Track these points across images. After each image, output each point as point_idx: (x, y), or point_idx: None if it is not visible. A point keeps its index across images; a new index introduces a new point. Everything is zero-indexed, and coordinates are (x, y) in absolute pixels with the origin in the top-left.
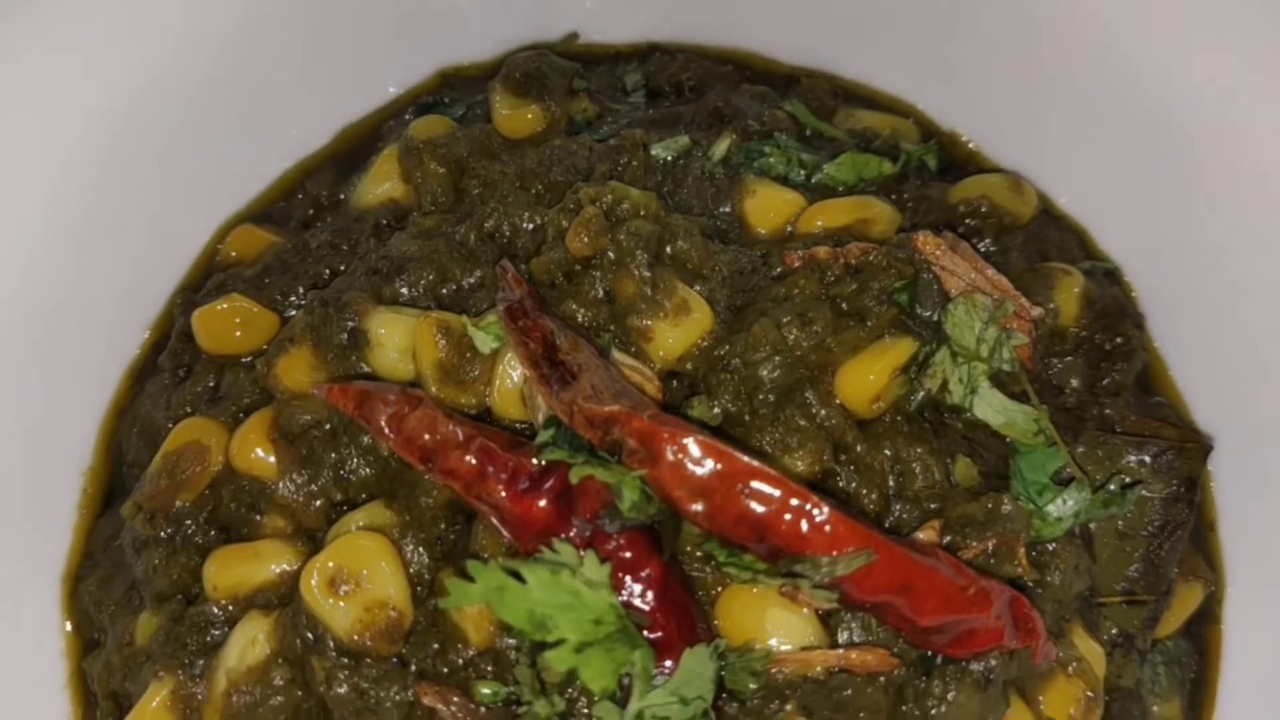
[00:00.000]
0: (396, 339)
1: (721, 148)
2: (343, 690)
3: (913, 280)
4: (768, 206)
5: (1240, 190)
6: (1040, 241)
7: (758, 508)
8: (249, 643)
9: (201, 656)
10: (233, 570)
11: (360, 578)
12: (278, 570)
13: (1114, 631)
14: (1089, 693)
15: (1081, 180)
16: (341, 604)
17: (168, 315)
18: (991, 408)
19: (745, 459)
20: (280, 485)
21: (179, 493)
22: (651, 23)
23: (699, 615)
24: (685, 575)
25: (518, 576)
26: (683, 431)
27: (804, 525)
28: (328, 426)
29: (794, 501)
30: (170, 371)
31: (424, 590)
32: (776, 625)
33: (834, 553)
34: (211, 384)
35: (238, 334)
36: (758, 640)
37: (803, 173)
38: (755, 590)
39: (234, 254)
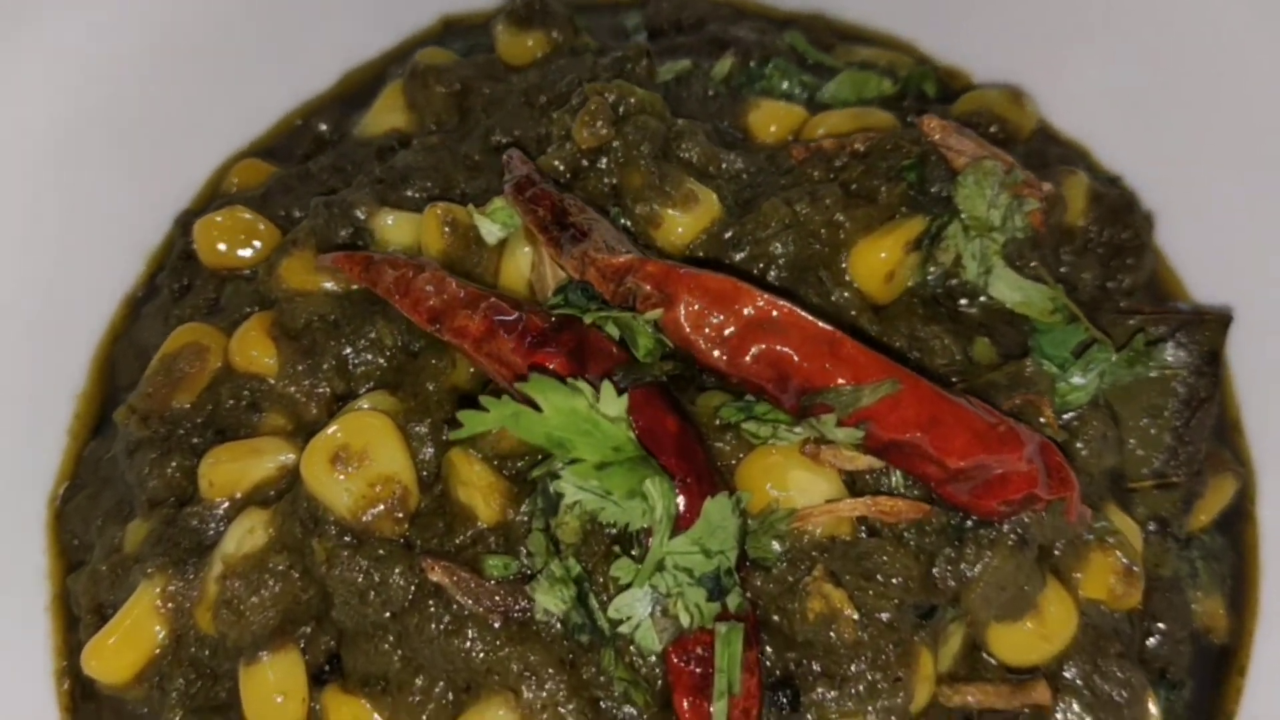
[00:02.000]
0: (402, 236)
1: (723, 68)
2: (344, 571)
3: (920, 159)
4: (770, 118)
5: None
6: (1042, 156)
7: (779, 346)
8: (246, 532)
9: (195, 555)
10: (230, 466)
11: (364, 454)
12: (276, 465)
13: (1149, 519)
14: (1126, 561)
15: (1081, 110)
16: (343, 478)
17: (167, 246)
18: (1007, 285)
19: (763, 294)
20: (280, 380)
21: (175, 393)
22: None
23: (719, 475)
24: (702, 435)
25: (534, 406)
26: (698, 271)
27: (827, 358)
28: (331, 318)
29: (815, 334)
30: (168, 289)
31: (430, 475)
32: (800, 486)
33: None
34: (211, 296)
35: (240, 247)
36: (781, 504)
37: (804, 92)
38: (776, 455)
39: (236, 183)
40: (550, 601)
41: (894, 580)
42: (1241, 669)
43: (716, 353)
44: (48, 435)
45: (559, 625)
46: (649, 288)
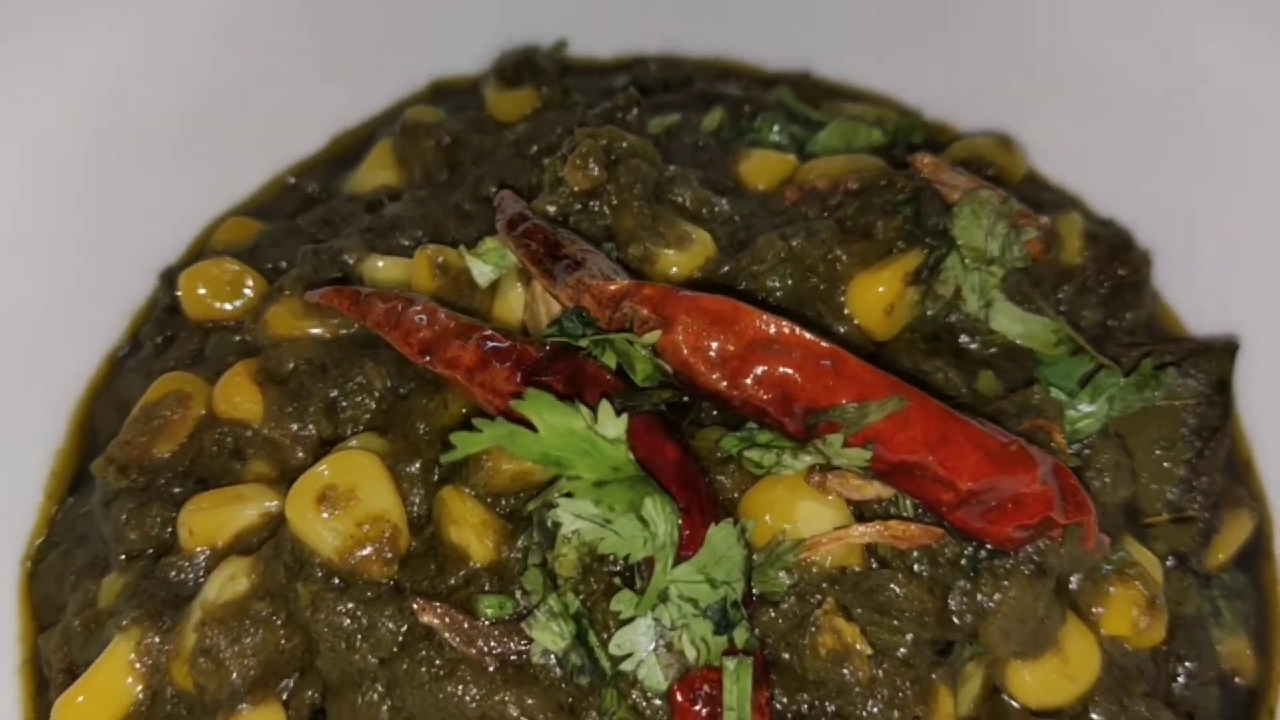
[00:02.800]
0: (392, 280)
1: (713, 121)
2: (330, 615)
3: (915, 194)
4: (762, 167)
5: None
6: (1034, 202)
7: (781, 365)
8: (227, 579)
9: (172, 608)
10: (211, 514)
11: (352, 493)
12: (260, 512)
13: (1167, 554)
14: (1148, 593)
15: (1068, 160)
16: (330, 518)
17: (152, 303)
18: (1009, 318)
19: (764, 315)
20: (265, 424)
21: (156, 442)
22: (635, 38)
23: (722, 508)
24: (703, 467)
25: (529, 426)
26: (696, 294)
27: (831, 376)
28: (319, 363)
29: (819, 353)
30: (151, 342)
31: (420, 518)
32: (807, 517)
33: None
34: (195, 348)
35: (225, 299)
36: (788, 535)
37: (793, 144)
38: (780, 486)
39: (223, 241)
40: (548, 638)
41: (908, 614)
42: (1271, 711)
43: (716, 375)
44: (23, 494)
45: (557, 669)
46: (646, 311)
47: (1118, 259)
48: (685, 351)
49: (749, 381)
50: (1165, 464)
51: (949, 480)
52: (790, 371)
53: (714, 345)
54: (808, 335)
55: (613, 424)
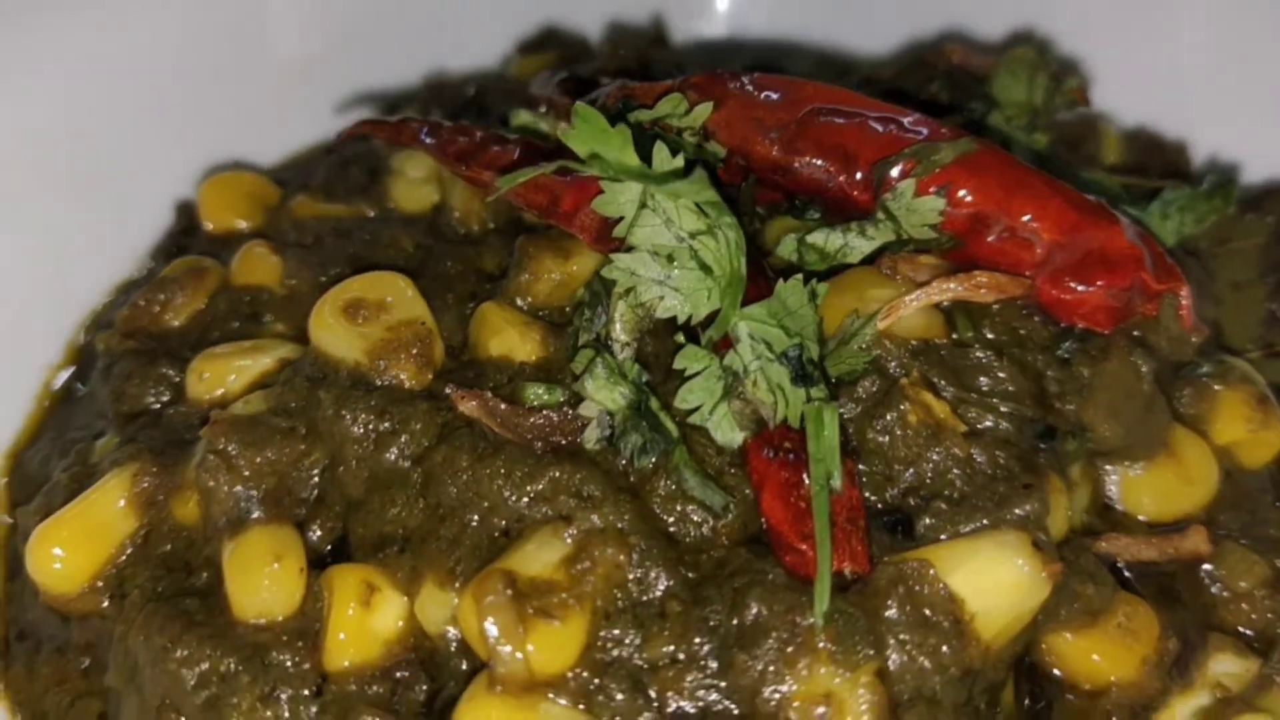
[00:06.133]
0: (420, 168)
1: None
2: (357, 412)
3: (947, 74)
4: None
5: None
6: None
7: (840, 130)
8: (243, 402)
9: (176, 448)
10: (226, 361)
11: (381, 304)
12: (276, 359)
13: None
14: (1256, 389)
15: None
16: (359, 323)
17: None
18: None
19: (818, 83)
20: (287, 276)
21: (168, 310)
22: None
23: None
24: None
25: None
26: (746, 72)
27: (893, 129)
28: (345, 228)
29: (879, 108)
30: (163, 256)
31: (456, 348)
32: (880, 303)
33: None
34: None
35: (243, 215)
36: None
37: None
38: (848, 280)
39: None
40: (605, 397)
41: (1001, 392)
42: None
43: (768, 141)
44: (12, 402)
45: (618, 458)
46: (695, 95)
47: (1156, 155)
48: (738, 124)
49: (807, 144)
50: (1245, 300)
51: (1031, 231)
52: (851, 128)
53: (768, 114)
54: (867, 98)
55: (670, 164)
